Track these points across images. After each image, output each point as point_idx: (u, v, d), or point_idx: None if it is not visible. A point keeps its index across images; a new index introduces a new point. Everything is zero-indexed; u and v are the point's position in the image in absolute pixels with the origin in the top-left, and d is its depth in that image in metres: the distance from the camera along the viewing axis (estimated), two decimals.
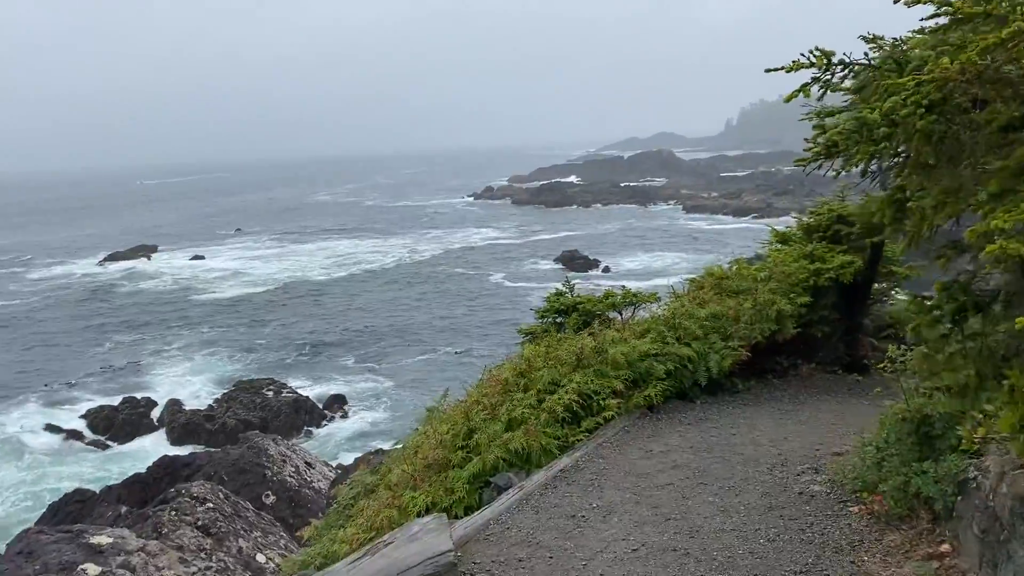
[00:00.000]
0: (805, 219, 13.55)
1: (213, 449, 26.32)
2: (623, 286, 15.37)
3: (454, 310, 63.89)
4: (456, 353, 51.46)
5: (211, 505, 12.92)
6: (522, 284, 71.20)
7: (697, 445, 8.85)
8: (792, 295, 11.75)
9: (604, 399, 9.59)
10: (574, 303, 14.43)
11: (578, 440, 9.00)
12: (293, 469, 22.84)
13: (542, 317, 14.95)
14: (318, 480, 22.95)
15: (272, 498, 21.96)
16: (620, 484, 7.71)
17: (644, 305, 14.75)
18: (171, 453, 35.73)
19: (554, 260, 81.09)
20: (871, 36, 10.29)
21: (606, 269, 76.79)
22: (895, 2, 5.12)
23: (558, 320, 14.86)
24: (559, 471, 8.05)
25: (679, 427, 9.66)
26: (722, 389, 11.25)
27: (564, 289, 15.12)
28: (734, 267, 13.00)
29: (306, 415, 41.71)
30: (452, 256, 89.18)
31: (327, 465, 26.00)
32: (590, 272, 74.86)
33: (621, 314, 15.05)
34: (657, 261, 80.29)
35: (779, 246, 13.80)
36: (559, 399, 9.28)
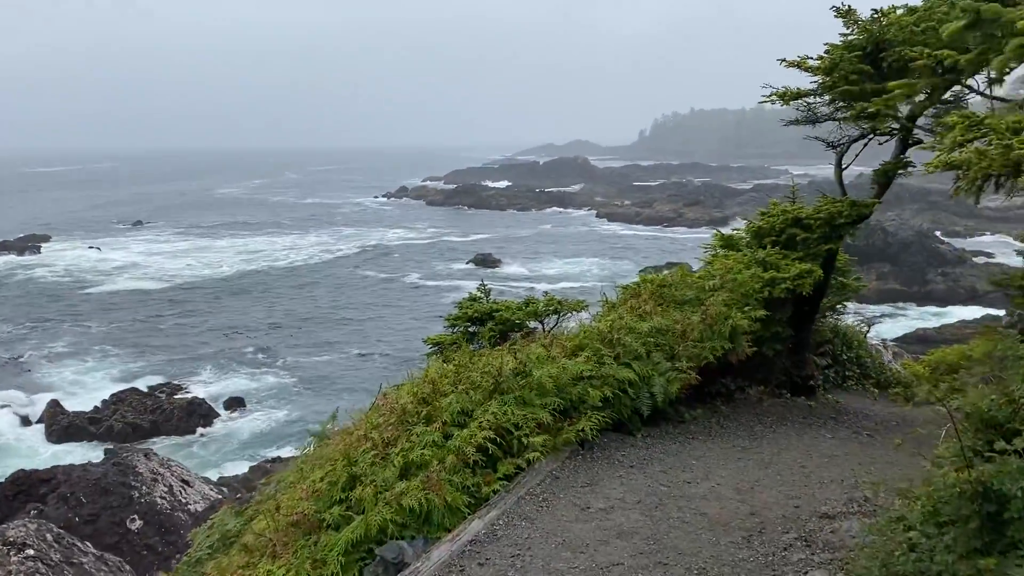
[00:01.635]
0: (755, 222, 11.83)
1: (77, 463, 23.07)
2: (545, 292, 13.36)
3: (365, 310, 60.96)
4: (360, 355, 48.77)
5: (32, 552, 10.22)
6: (436, 284, 68.77)
7: (646, 499, 6.86)
8: (746, 308, 9.96)
9: (527, 435, 7.51)
10: (490, 310, 12.34)
11: (494, 491, 6.88)
12: (165, 489, 19.93)
13: (452, 326, 12.81)
14: (195, 502, 20.10)
15: (138, 523, 19.02)
16: (551, 566, 5.62)
17: (570, 314, 12.81)
18: (50, 457, 32.44)
19: (468, 262, 78.97)
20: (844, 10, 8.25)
21: (518, 271, 75.18)
22: None
23: (471, 330, 12.74)
24: (468, 542, 5.91)
25: (620, 470, 7.66)
26: (665, 419, 9.35)
27: (479, 294, 13.01)
28: (676, 274, 11.13)
29: (200, 418, 38.32)
30: (364, 255, 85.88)
31: (208, 483, 23.09)
32: (505, 274, 73.08)
33: (543, 324, 13.07)
34: (573, 266, 79.10)
35: (724, 251, 12.06)
36: (470, 436, 7.14)
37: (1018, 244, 78.21)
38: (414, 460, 6.95)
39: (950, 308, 59.47)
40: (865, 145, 11.42)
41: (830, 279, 12.01)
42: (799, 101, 10.35)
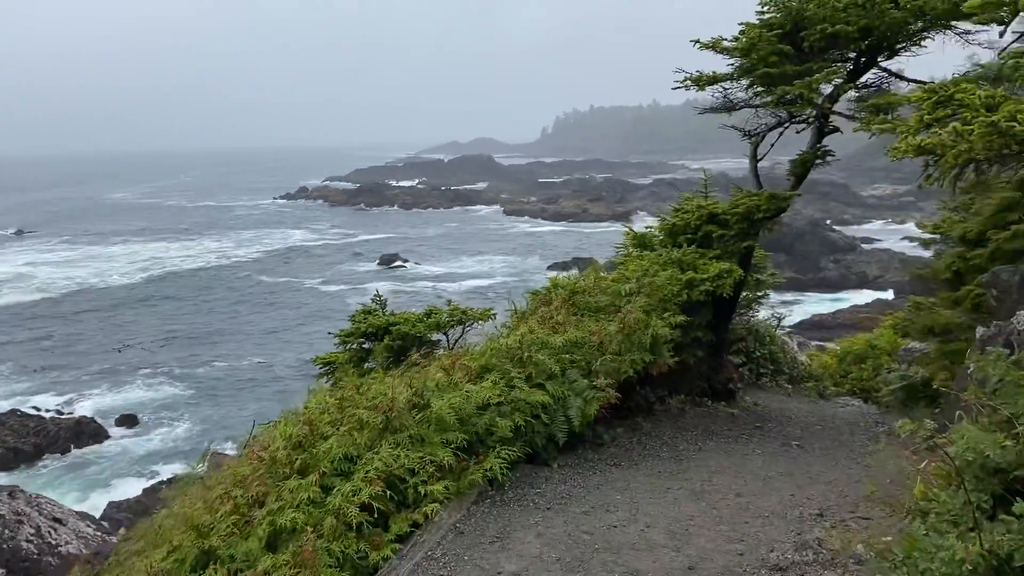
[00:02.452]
0: (668, 218, 10.91)
1: None
2: (449, 302, 12.14)
3: (265, 317, 58.16)
4: (261, 364, 46.37)
5: None
6: (338, 288, 66.36)
7: (567, 554, 5.72)
8: (666, 313, 8.99)
9: (425, 481, 6.27)
10: (387, 324, 11.02)
11: (384, 558, 5.61)
12: (32, 531, 17.69)
13: (344, 343, 11.43)
14: (68, 542, 17.93)
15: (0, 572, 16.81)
16: None
17: (476, 324, 11.64)
18: None
19: (373, 263, 76.79)
20: None
21: (426, 272, 73.57)
22: None
23: (365, 346, 11.40)
24: None
25: (535, 515, 6.51)
26: (583, 443, 8.28)
27: (374, 305, 11.66)
28: (588, 277, 10.09)
29: (90, 438, 35.35)
30: (263, 260, 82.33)
31: (86, 518, 20.83)
32: (412, 275, 71.37)
33: (447, 336, 11.84)
34: (482, 264, 77.95)
35: (638, 251, 11.10)
36: (355, 490, 5.86)
37: (902, 229, 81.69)
38: (284, 525, 5.62)
39: (843, 293, 61.23)
40: (780, 135, 10.66)
41: (747, 276, 11.25)
42: (715, 87, 9.46)
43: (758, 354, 15.97)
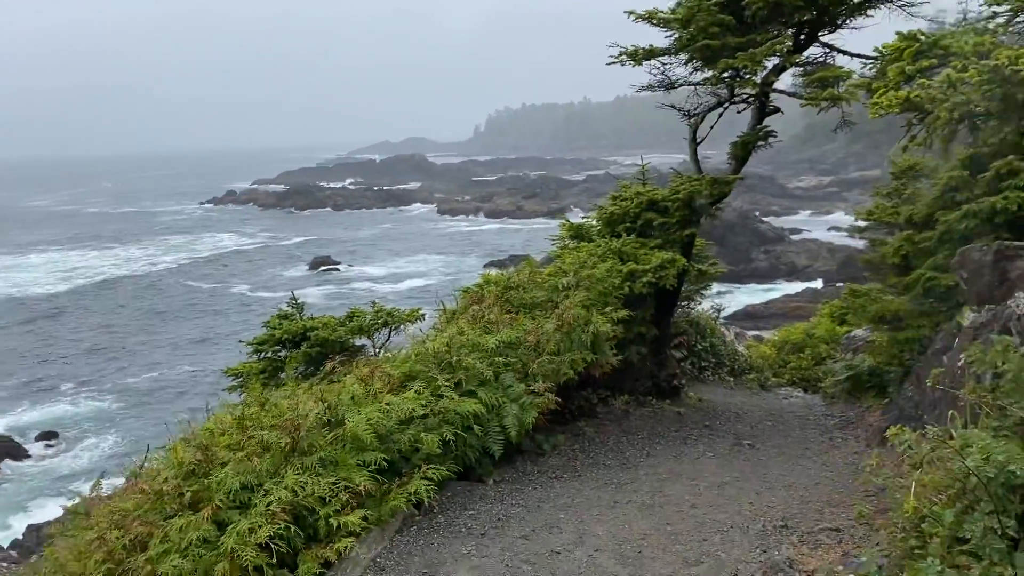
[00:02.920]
0: (608, 206, 10.21)
1: None
2: (374, 303, 11.22)
3: (194, 325, 55.88)
4: (192, 372, 44.47)
5: None
6: (267, 295, 64.28)
7: None
8: (607, 308, 8.26)
9: (339, 511, 5.38)
10: (303, 329, 10.04)
11: None
12: None
13: (258, 351, 10.41)
14: None
15: None
16: None
17: (403, 326, 10.74)
18: None
19: (305, 266, 74.72)
20: None
21: (360, 274, 71.94)
22: None
23: (281, 354, 10.39)
24: None
25: (469, 542, 5.69)
26: (521, 454, 7.50)
27: (289, 310, 10.66)
28: (523, 271, 9.29)
29: (5, 456, 33.18)
30: (191, 266, 79.28)
31: None
32: (346, 277, 69.69)
33: (373, 341, 10.93)
34: (418, 265, 76.64)
35: (575, 243, 10.37)
36: (252, 527, 4.93)
37: (828, 220, 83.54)
38: (166, 575, 4.66)
39: (774, 284, 62.04)
40: (720, 115, 10.06)
41: (689, 267, 10.64)
42: (652, 62, 8.77)
43: (700, 347, 15.48)
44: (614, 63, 8.75)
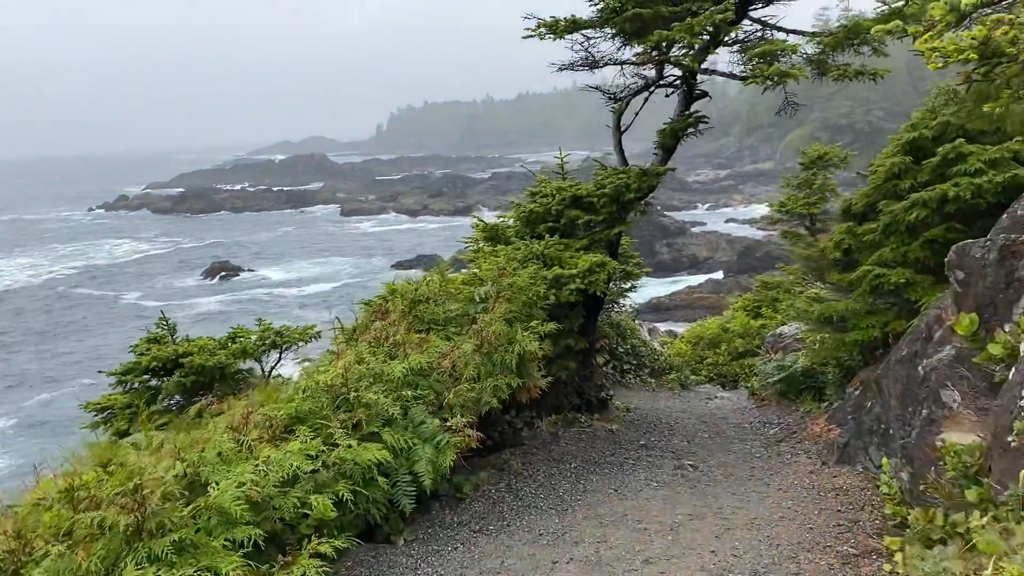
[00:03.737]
0: (527, 204, 9.02)
1: None
2: (259, 320, 9.71)
3: (84, 339, 51.88)
4: (91, 386, 41.06)
5: None
6: (161, 304, 60.51)
7: None
8: (533, 322, 7.07)
9: None
10: (176, 354, 8.45)
11: None
12: None
13: (122, 382, 8.75)
14: None
15: None
16: None
17: (296, 346, 9.31)
18: None
19: (202, 273, 70.81)
20: None
21: (262, 279, 68.66)
22: None
23: (151, 385, 8.78)
24: None
25: None
26: (438, 500, 6.22)
27: (160, 331, 9.04)
28: (434, 279, 7.99)
29: None
30: (79, 276, 73.99)
31: None
32: (248, 282, 66.40)
33: (262, 365, 9.43)
34: (322, 267, 73.76)
35: (490, 246, 9.14)
36: None
37: (725, 212, 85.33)
38: None
39: (677, 276, 62.62)
40: (645, 101, 9.03)
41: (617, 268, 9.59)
42: (575, 36, 7.62)
43: (621, 350, 14.56)
44: (531, 36, 7.54)
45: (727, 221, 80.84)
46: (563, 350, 8.04)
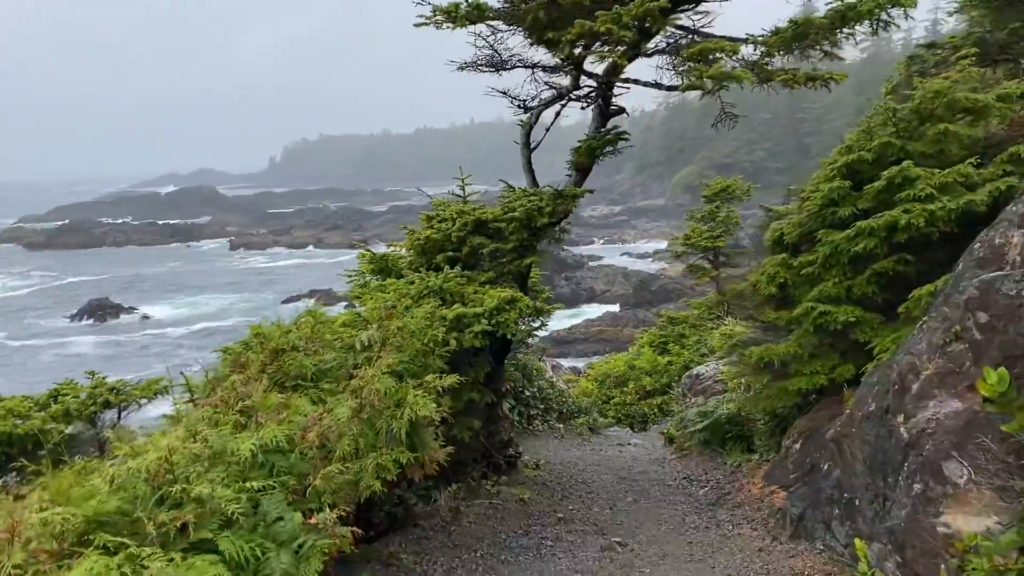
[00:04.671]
0: (422, 231, 7.60)
1: None
2: (92, 374, 7.84)
3: None
4: None
5: None
6: (30, 343, 55.31)
7: None
8: (429, 376, 5.60)
9: None
10: None
11: None
12: None
13: None
14: None
15: None
16: None
17: (138, 404, 7.53)
18: None
19: (77, 311, 65.41)
20: None
21: (145, 317, 64.04)
22: None
23: None
24: None
25: None
26: None
27: None
28: (305, 322, 6.40)
29: None
30: None
31: None
32: (128, 323, 61.76)
33: (97, 424, 7.57)
34: (209, 304, 69.57)
35: (379, 279, 7.65)
36: None
37: (620, 247, 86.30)
38: None
39: (576, 309, 62.35)
40: (557, 115, 7.83)
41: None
42: (480, 27, 6.32)
43: (528, 393, 13.22)
44: (424, 24, 6.19)
45: (622, 255, 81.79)
46: (465, 406, 6.60)
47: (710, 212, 18.80)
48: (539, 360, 15.91)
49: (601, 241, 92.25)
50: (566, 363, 32.83)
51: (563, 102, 7.55)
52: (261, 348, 6.08)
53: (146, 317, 65.06)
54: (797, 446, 7.58)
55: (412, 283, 6.77)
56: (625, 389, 18.45)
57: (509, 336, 6.42)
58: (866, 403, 5.44)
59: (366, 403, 4.98)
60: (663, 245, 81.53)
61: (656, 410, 16.99)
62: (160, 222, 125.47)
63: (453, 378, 5.64)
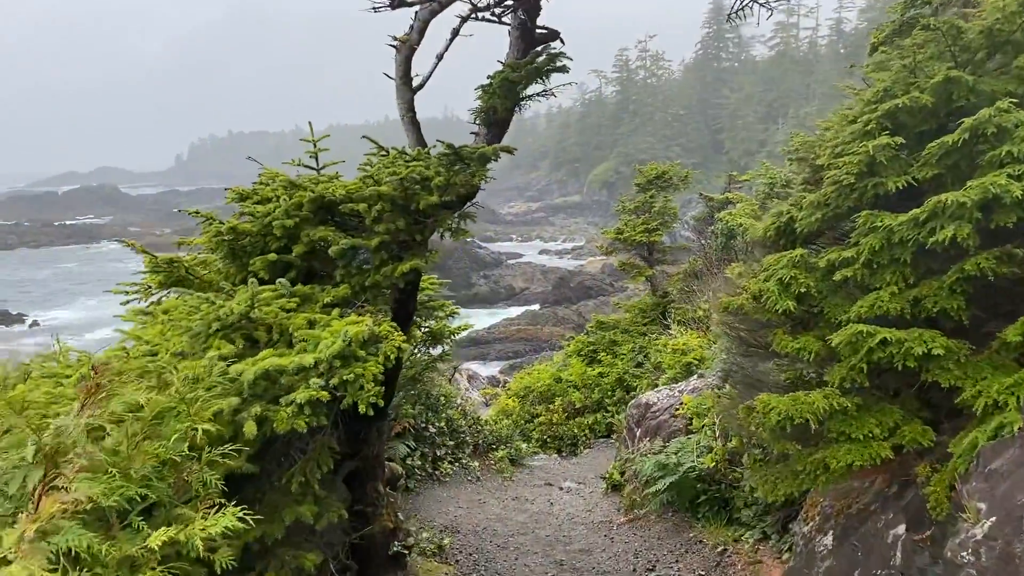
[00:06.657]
0: (230, 219, 4.51)
1: None
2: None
3: None
4: None
5: None
6: None
7: None
8: (186, 508, 2.56)
9: None
10: None
11: None
12: None
13: None
14: None
15: None
16: None
17: None
18: None
19: None
20: None
21: (34, 324, 57.91)
22: None
23: None
24: None
25: None
26: None
27: None
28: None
29: None
30: None
31: None
32: (17, 331, 55.59)
33: None
34: (109, 308, 63.59)
35: (169, 296, 4.53)
36: None
37: (537, 244, 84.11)
38: None
39: (495, 308, 59.82)
40: (456, 34, 4.91)
41: (410, 326, 5.29)
42: None
43: (433, 430, 10.24)
44: None
45: (541, 252, 79.62)
46: (290, 530, 3.59)
47: (644, 202, 16.15)
48: (450, 380, 12.95)
49: (519, 238, 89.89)
50: (484, 370, 29.88)
51: (463, 19, 4.65)
52: None
53: (35, 323, 59.00)
54: (829, 541, 4.89)
55: (197, 310, 3.71)
56: (551, 407, 15.58)
57: (362, 410, 3.41)
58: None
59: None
60: (582, 242, 79.75)
61: (587, 431, 14.34)
62: (56, 223, 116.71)
63: (231, 514, 2.60)
